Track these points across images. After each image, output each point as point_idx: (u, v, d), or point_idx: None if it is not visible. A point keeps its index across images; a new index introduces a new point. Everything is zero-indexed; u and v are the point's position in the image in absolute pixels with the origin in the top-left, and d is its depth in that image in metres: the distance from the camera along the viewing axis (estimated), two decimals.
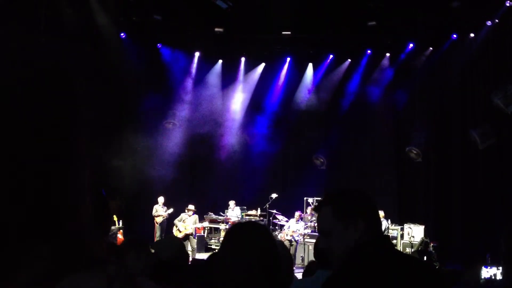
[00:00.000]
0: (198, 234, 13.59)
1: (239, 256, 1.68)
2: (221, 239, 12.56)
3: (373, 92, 15.26)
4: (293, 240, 12.59)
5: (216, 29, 15.20)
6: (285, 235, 13.04)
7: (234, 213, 14.35)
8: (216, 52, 16.34)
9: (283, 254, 3.13)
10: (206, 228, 14.03)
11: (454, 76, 14.07)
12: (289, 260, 3.28)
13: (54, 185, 0.68)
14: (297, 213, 13.54)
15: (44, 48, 0.71)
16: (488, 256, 9.40)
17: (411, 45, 14.69)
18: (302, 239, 12.88)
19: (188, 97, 16.35)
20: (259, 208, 14.70)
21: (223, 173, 16.08)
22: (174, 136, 15.72)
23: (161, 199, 14.25)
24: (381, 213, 12.77)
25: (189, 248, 12.25)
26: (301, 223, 13.41)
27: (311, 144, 15.90)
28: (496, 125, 12.71)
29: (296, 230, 13.15)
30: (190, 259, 7.84)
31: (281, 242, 3.80)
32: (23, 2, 10.24)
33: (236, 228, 1.85)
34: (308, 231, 13.19)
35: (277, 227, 13.84)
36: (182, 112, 16.05)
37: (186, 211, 13.85)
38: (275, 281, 1.68)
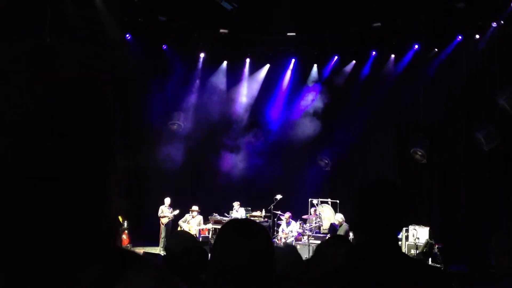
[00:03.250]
0: (202, 235, 13.59)
1: (230, 251, 1.66)
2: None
3: (377, 93, 15.23)
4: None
5: (221, 30, 15.25)
6: (279, 238, 12.91)
7: (238, 214, 14.30)
8: (221, 53, 16.36)
9: (291, 258, 3.10)
10: (211, 229, 14.01)
11: (459, 77, 14.04)
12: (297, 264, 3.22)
13: (92, 183, 0.68)
14: (286, 214, 13.41)
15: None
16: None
17: (416, 46, 14.66)
18: (304, 240, 12.71)
19: (192, 98, 16.38)
20: (263, 209, 14.68)
21: (228, 174, 16.08)
22: (178, 136, 15.74)
23: (167, 200, 14.26)
24: (339, 217, 12.64)
25: None
26: (293, 225, 13.24)
27: (315, 145, 15.88)
28: (501, 126, 12.69)
29: (288, 232, 12.98)
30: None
31: (293, 247, 3.75)
32: (27, 2, 10.28)
33: (231, 224, 1.81)
34: (296, 229, 13.06)
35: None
36: (187, 112, 16.07)
37: (190, 212, 13.84)
38: (264, 280, 1.65)
